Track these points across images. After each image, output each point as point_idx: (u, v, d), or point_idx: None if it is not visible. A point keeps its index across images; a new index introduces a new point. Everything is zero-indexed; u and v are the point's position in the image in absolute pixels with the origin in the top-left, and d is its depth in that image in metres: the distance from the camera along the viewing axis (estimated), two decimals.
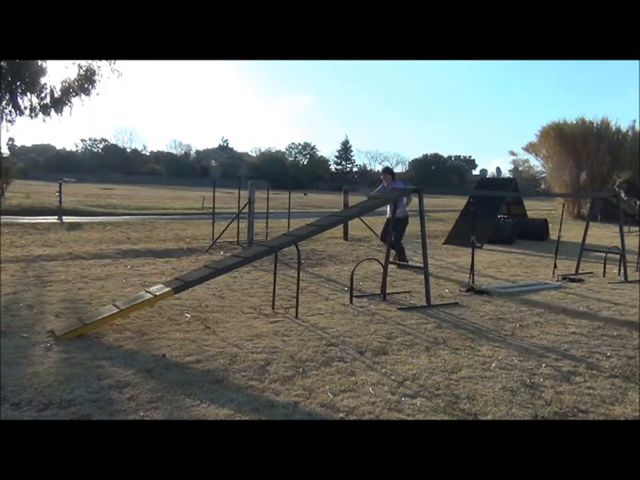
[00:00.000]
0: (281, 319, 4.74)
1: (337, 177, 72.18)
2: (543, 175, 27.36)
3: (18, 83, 12.48)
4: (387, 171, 8.59)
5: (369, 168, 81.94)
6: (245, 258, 4.93)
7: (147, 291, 4.57)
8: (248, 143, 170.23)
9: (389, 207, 7.72)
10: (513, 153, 29.87)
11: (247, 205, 9.78)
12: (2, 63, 11.85)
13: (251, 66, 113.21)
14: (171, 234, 11.61)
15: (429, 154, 76.69)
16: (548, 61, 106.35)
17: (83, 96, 13.26)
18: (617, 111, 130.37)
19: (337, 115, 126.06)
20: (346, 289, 5.96)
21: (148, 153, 79.10)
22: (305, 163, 74.28)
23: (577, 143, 21.80)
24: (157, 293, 4.42)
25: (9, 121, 12.78)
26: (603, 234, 13.99)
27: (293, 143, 78.07)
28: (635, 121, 22.83)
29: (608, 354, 4.03)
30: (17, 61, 11.54)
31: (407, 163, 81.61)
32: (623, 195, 8.81)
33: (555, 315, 5.25)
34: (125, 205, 20.77)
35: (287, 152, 77.14)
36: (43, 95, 12.93)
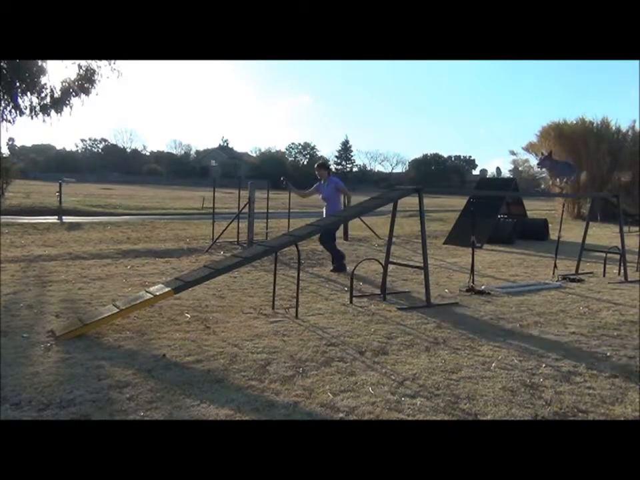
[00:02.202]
0: (280, 319, 4.74)
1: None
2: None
3: (18, 83, 12.47)
4: (322, 166, 7.85)
5: (369, 168, 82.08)
6: (245, 258, 4.92)
7: (147, 291, 4.57)
8: (248, 143, 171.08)
9: (325, 207, 7.67)
10: (513, 153, 29.89)
11: (247, 205, 9.78)
12: (2, 63, 11.84)
13: (251, 66, 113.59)
14: (170, 234, 11.62)
15: (428, 154, 76.89)
16: (548, 61, 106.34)
17: (82, 96, 13.24)
18: (616, 111, 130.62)
19: (337, 115, 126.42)
20: (346, 289, 5.96)
21: (148, 153, 79.27)
22: (305, 163, 74.26)
23: (577, 143, 21.79)
24: (157, 293, 4.42)
25: (9, 121, 12.77)
26: (603, 234, 13.99)
27: (292, 143, 78.19)
28: (635, 121, 22.87)
29: (608, 354, 4.03)
30: (17, 60, 11.54)
31: (407, 163, 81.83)
32: (546, 171, 8.70)
33: (555, 315, 5.25)
34: (125, 204, 20.79)
35: (287, 152, 77.23)
36: (43, 94, 12.91)
